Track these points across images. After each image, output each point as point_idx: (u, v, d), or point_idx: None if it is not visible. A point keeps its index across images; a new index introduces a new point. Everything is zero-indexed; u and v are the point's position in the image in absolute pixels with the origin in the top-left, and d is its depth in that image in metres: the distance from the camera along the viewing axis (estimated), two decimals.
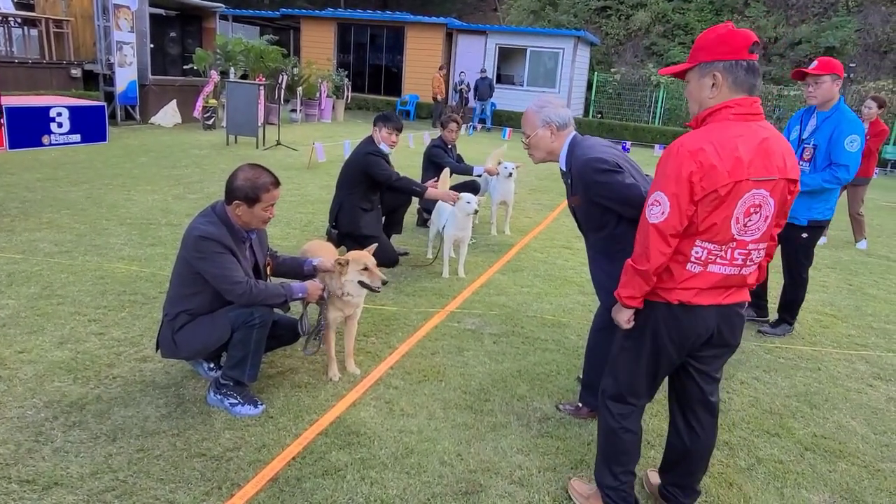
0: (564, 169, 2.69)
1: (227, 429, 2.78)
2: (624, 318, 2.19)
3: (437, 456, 2.70)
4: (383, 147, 5.10)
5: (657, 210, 1.99)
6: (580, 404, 3.13)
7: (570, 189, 2.68)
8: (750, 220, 2.01)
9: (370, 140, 5.14)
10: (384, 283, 3.15)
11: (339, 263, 3.12)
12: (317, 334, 3.24)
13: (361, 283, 3.15)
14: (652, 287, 2.07)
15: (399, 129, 5.18)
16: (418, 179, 6.04)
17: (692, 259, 2.04)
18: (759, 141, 1.97)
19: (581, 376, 3.23)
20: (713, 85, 2.03)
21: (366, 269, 3.12)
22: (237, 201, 2.78)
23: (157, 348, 2.99)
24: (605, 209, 2.55)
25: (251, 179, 2.78)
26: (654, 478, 2.56)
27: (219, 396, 2.91)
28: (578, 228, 2.80)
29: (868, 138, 6.76)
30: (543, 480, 2.61)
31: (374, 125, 5.14)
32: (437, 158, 6.37)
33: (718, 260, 2.05)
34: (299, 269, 3.25)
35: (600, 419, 2.37)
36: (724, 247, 2.03)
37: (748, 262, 2.09)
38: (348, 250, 4.87)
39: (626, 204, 2.45)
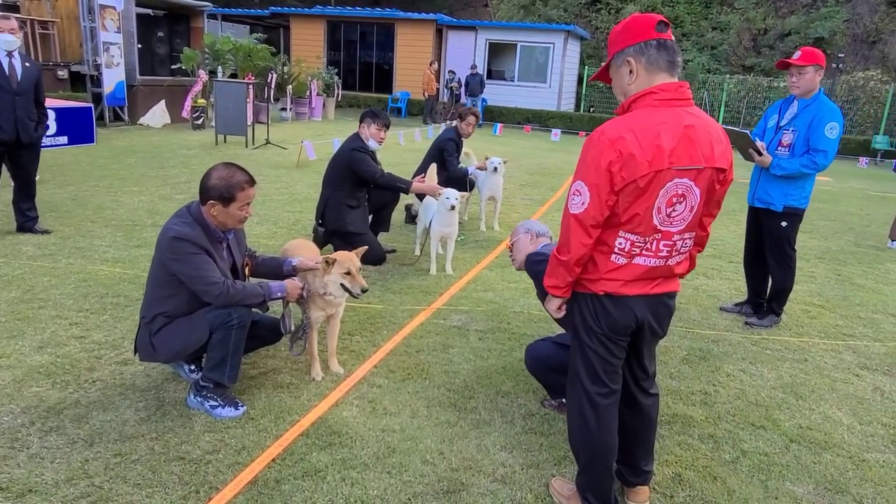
0: None
1: (207, 431, 2.75)
2: (553, 306, 2.21)
3: (419, 455, 2.68)
4: (371, 143, 5.07)
5: (578, 200, 1.98)
6: (564, 400, 3.11)
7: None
8: (674, 211, 2.00)
9: (356, 136, 5.11)
10: (364, 290, 3.13)
11: (326, 262, 3.10)
12: (302, 335, 3.22)
13: (343, 286, 3.13)
14: (576, 277, 2.08)
15: (387, 126, 5.14)
16: (412, 173, 6.00)
17: (616, 250, 2.04)
18: (683, 128, 1.94)
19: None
20: (630, 71, 2.02)
21: (348, 273, 3.11)
22: (212, 201, 2.75)
23: (136, 352, 2.96)
24: None
25: (225, 178, 2.74)
26: None
27: (199, 399, 2.88)
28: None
29: None
30: (526, 478, 2.59)
31: (362, 121, 5.10)
32: (448, 155, 6.29)
33: (644, 252, 2.04)
34: (279, 269, 3.21)
35: (577, 427, 2.28)
36: (648, 238, 2.02)
37: (674, 253, 2.08)
38: (335, 248, 4.86)
39: None
